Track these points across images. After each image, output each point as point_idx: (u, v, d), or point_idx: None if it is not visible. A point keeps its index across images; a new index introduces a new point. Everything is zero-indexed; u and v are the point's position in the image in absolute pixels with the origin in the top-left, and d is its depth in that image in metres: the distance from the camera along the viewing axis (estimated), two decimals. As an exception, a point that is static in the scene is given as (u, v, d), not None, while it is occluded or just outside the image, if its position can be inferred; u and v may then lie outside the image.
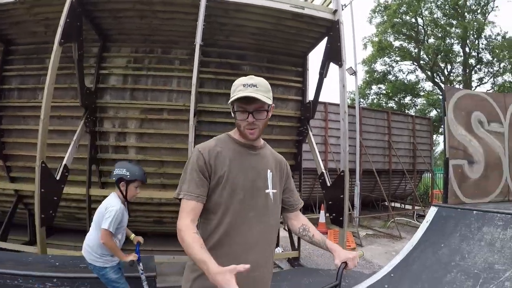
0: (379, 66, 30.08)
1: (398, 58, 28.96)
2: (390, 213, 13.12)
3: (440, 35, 26.39)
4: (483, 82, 27.25)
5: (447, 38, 26.23)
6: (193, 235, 1.87)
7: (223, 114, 6.61)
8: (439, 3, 25.97)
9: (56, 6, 5.26)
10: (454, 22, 25.68)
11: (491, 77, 27.04)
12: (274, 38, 6.63)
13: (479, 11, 25.46)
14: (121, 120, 6.46)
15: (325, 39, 6.50)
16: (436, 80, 28.49)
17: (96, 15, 5.96)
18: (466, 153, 7.00)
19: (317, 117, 9.62)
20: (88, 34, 6.06)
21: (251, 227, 2.00)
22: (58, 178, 5.11)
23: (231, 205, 1.97)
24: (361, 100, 28.96)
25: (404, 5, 26.01)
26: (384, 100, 31.04)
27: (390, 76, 30.14)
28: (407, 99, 31.34)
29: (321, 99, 7.39)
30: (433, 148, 19.52)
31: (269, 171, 2.11)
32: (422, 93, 30.36)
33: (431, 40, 26.02)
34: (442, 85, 27.33)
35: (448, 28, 25.92)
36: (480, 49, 26.14)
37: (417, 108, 30.67)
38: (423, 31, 27.41)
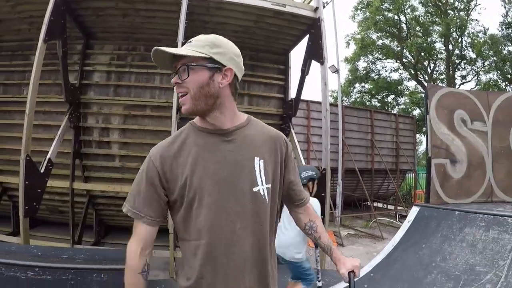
0: (362, 64, 29.89)
1: (381, 56, 28.77)
2: (372, 213, 13.10)
3: (422, 33, 26.31)
4: (467, 80, 27.19)
5: (430, 36, 26.14)
6: (135, 279, 1.56)
7: None
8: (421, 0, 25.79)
9: (40, 4, 5.35)
10: (437, 19, 25.56)
11: (475, 75, 26.95)
12: (255, 36, 6.75)
13: (462, 7, 25.34)
14: (105, 116, 6.57)
15: (307, 37, 6.59)
16: (419, 78, 28.30)
17: (80, 13, 6.05)
18: (448, 152, 6.94)
19: (300, 115, 9.70)
20: (72, 31, 6.16)
21: (239, 243, 1.51)
22: (42, 171, 5.23)
23: (204, 220, 1.49)
24: (344, 98, 28.79)
25: (387, 2, 25.81)
26: (367, 98, 30.74)
27: (373, 74, 29.87)
28: (390, 98, 31.18)
29: (303, 97, 7.48)
30: (417, 147, 19.20)
31: (257, 159, 1.55)
32: (405, 92, 30.30)
33: (414, 38, 25.92)
34: (426, 84, 26.83)
35: (430, 25, 25.87)
36: (463, 47, 25.99)
37: (400, 107, 30.47)
38: (406, 28, 27.22)
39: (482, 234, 5.25)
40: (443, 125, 6.93)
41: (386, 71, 30.09)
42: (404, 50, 27.32)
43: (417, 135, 22.17)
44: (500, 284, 4.35)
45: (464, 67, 26.98)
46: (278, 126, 7.25)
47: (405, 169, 16.73)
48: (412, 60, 27.77)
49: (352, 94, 31.38)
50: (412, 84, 30.26)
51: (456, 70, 26.95)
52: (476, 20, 26.16)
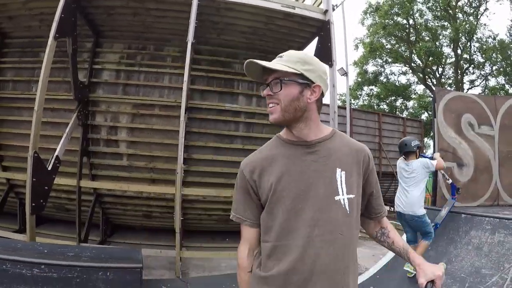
0: (370, 68, 29.85)
1: (390, 60, 28.68)
2: None
3: (430, 37, 26.19)
4: (475, 84, 27.15)
5: (438, 40, 26.06)
6: (246, 277, 1.72)
7: (214, 111, 6.75)
8: (429, 4, 25.74)
9: (51, 1, 5.33)
10: (446, 23, 25.57)
11: (483, 80, 26.89)
12: (265, 37, 6.72)
13: (471, 11, 25.29)
14: (113, 114, 6.57)
15: (316, 39, 6.53)
16: (427, 82, 28.25)
17: (90, 11, 6.04)
18: (455, 155, 6.95)
19: None
20: (82, 29, 6.15)
21: (316, 250, 1.54)
22: (49, 168, 5.21)
23: (291, 223, 1.57)
24: (352, 101, 28.73)
25: (396, 6, 25.70)
26: (375, 102, 30.70)
27: (381, 78, 29.89)
28: (399, 102, 31.11)
29: (312, 99, 7.44)
30: (424, 151, 19.15)
31: (339, 170, 1.61)
32: (413, 96, 30.24)
33: (423, 42, 25.71)
34: (434, 88, 26.74)
35: (439, 30, 25.82)
36: (472, 52, 25.97)
37: (408, 111, 30.42)
38: (414, 32, 27.16)
39: (488, 237, 5.30)
40: (450, 128, 6.96)
41: (394, 74, 30.09)
42: (413, 54, 27.19)
43: (425, 139, 22.19)
44: (505, 286, 4.39)
45: (473, 72, 26.91)
46: (286, 128, 7.19)
47: None
48: (421, 64, 27.62)
49: (360, 97, 31.36)
50: (420, 88, 30.29)
51: (465, 74, 26.89)
52: (485, 24, 25.70)
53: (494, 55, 24.31)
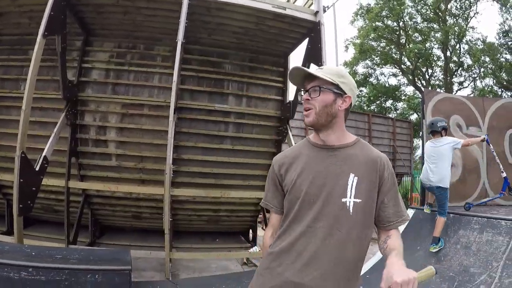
0: (360, 69, 30.07)
1: (380, 61, 28.92)
2: None
3: (420, 39, 26.50)
4: (464, 86, 27.52)
5: (428, 42, 26.36)
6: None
7: (204, 112, 6.71)
8: (419, 7, 26.09)
9: (41, -2, 5.26)
10: (435, 26, 25.83)
11: (471, 81, 27.26)
12: (256, 38, 6.70)
13: (460, 15, 25.61)
14: (102, 114, 6.48)
15: (306, 40, 6.56)
16: (417, 84, 28.51)
17: (80, 9, 5.97)
18: None
19: (298, 118, 9.72)
20: (71, 27, 6.07)
21: (316, 238, 1.75)
22: (37, 169, 5.13)
23: (303, 213, 1.80)
24: None
25: (386, 9, 25.92)
26: (365, 103, 30.69)
27: (371, 79, 30.08)
28: (388, 103, 31.28)
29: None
30: (413, 151, 19.52)
31: (352, 175, 1.78)
32: (403, 97, 30.45)
33: (413, 45, 26.04)
34: (423, 89, 27.17)
35: (429, 32, 26.07)
36: (461, 54, 26.28)
37: (397, 112, 30.63)
38: (404, 35, 27.42)
39: (476, 236, 5.43)
40: None
41: (384, 76, 30.31)
42: (403, 56, 27.47)
43: (414, 140, 22.35)
44: (494, 285, 4.48)
45: (461, 74, 27.29)
46: (276, 128, 7.23)
47: (401, 172, 16.79)
48: (411, 66, 27.86)
49: None
50: (410, 89, 30.56)
51: (454, 76, 27.22)
52: (473, 28, 25.99)
53: (482, 57, 24.55)
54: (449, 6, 25.31)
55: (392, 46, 27.97)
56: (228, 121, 6.90)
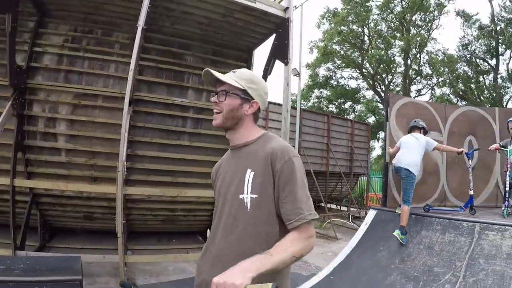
0: (322, 71, 31.24)
1: (342, 64, 30.11)
2: (327, 214, 13.38)
3: (383, 46, 27.77)
4: (422, 93, 29.35)
5: (391, 49, 27.76)
6: None
7: (161, 105, 6.35)
8: (385, 15, 27.50)
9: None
10: (399, 35, 27.20)
11: (429, 89, 29.16)
12: (221, 30, 6.43)
13: (423, 27, 27.24)
14: (52, 104, 5.94)
15: (273, 36, 6.45)
16: (377, 88, 29.93)
17: (35, -14, 5.48)
18: None
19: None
20: (25, 6, 5.57)
21: (220, 237, 1.81)
22: (-24, 165, 4.61)
23: (215, 215, 1.93)
24: (303, 102, 30.05)
25: (352, 14, 27.07)
26: (325, 103, 32.26)
27: (332, 81, 31.34)
28: (347, 105, 32.80)
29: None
30: (370, 153, 20.54)
31: (249, 171, 1.78)
32: (362, 100, 31.99)
33: (375, 50, 27.28)
34: (382, 94, 29.02)
35: (392, 40, 27.43)
36: (421, 63, 28.11)
37: (356, 114, 32.09)
38: (368, 41, 28.68)
39: (438, 237, 5.65)
40: (401, 132, 7.30)
41: (345, 79, 31.89)
42: (365, 61, 28.87)
43: (371, 141, 23.91)
44: (458, 284, 4.63)
45: (420, 81, 29.29)
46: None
47: (358, 172, 17.51)
48: (371, 71, 29.37)
49: (310, 99, 32.79)
50: (369, 93, 32.03)
51: (412, 83, 29.16)
52: (435, 39, 28.43)
53: (442, 68, 26.12)
54: (413, 18, 26.98)
55: (355, 51, 29.33)
56: (186, 116, 6.59)
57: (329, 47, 28.43)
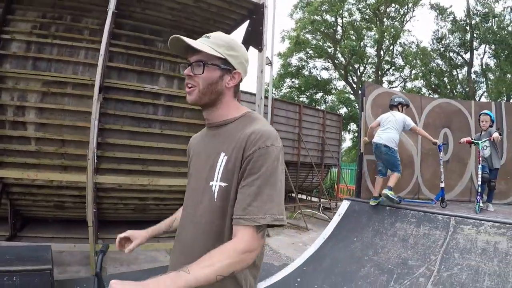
0: (294, 61, 31.17)
1: (313, 54, 30.03)
2: (297, 204, 13.37)
3: (356, 37, 27.81)
4: (394, 85, 29.41)
5: (363, 40, 27.81)
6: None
7: (132, 92, 6.26)
8: (360, 6, 27.45)
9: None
10: (372, 25, 27.29)
11: (401, 82, 29.39)
12: (193, 16, 6.35)
13: (397, 18, 27.44)
14: (21, 92, 5.81)
15: (247, 22, 6.40)
16: (348, 79, 30.06)
17: (2, -30, 5.33)
18: None
19: None
20: (-8, -8, 5.41)
21: (187, 227, 1.66)
22: None
23: (185, 197, 1.75)
24: (274, 92, 29.98)
25: (326, 4, 26.92)
26: (296, 93, 32.13)
27: (304, 71, 31.31)
28: (319, 95, 32.93)
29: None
30: (341, 144, 20.40)
31: (222, 154, 1.55)
32: (333, 91, 32.11)
33: (348, 41, 27.27)
34: (354, 85, 29.32)
35: (365, 31, 27.62)
36: (394, 55, 28.25)
37: (327, 104, 32.27)
38: (341, 31, 28.62)
39: (413, 230, 5.58)
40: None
41: (316, 69, 32.12)
42: (337, 52, 28.96)
43: (342, 133, 23.48)
44: (433, 277, 4.58)
45: (393, 73, 29.52)
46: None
47: (329, 163, 17.35)
48: (344, 62, 29.42)
49: (282, 88, 32.69)
50: (341, 84, 32.29)
51: (385, 75, 29.28)
52: (409, 31, 29.00)
53: (414, 60, 26.42)
54: (387, 10, 27.08)
55: (328, 41, 29.33)
56: (157, 104, 6.51)
57: (301, 37, 28.38)
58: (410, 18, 27.24)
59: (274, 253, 8.18)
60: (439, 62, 26.58)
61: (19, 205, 6.51)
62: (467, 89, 25.13)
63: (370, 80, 28.82)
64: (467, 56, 25.43)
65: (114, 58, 6.18)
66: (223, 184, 1.51)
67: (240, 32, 6.68)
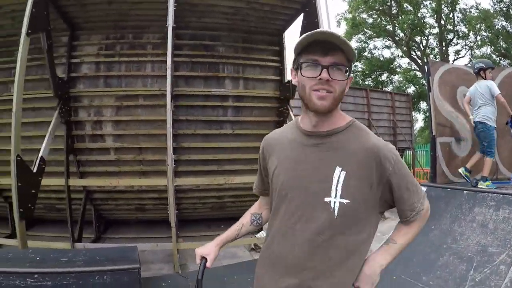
0: (354, 44, 29.43)
1: (373, 34, 28.64)
2: None
3: (412, 9, 26.13)
4: (461, 55, 27.43)
5: (420, 12, 26.03)
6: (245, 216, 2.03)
7: (200, 97, 6.54)
8: None
9: (20, -3, 5.07)
10: None
11: (468, 50, 27.13)
12: (247, 17, 6.50)
13: None
14: (96, 108, 6.32)
15: (301, 16, 6.34)
16: (412, 55, 28.34)
17: (63, 3, 5.77)
18: (453, 130, 6.85)
19: (298, 97, 9.84)
20: (56, 23, 5.88)
21: (294, 243, 1.49)
22: (35, 170, 4.99)
23: (279, 206, 1.57)
24: None
25: None
26: (361, 78, 30.67)
27: (365, 53, 29.79)
28: (384, 76, 31.18)
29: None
30: (413, 125, 19.35)
31: (338, 169, 1.44)
32: (398, 70, 30.31)
33: (405, 15, 25.75)
34: (419, 61, 27.47)
35: (421, 1, 25.73)
36: (455, 22, 26.12)
37: (394, 85, 30.59)
38: (396, 5, 27.03)
39: (492, 214, 5.07)
40: (446, 102, 6.77)
41: (378, 49, 30.21)
42: (396, 28, 27.24)
43: (413, 113, 22.11)
44: None
45: (457, 42, 27.16)
46: (276, 109, 7.04)
47: (403, 147, 16.44)
48: (404, 37, 27.67)
49: None
50: (404, 61, 30.39)
51: (449, 45, 27.11)
52: None
53: (478, 25, 24.41)
54: None
55: (384, 18, 27.69)
56: (226, 105, 6.74)
57: (357, 18, 27.30)
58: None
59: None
60: (504, 23, 24.26)
61: (102, 210, 7.10)
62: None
63: (435, 52, 27.44)
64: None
65: (180, 67, 6.47)
66: (345, 201, 1.43)
67: (297, 25, 6.62)
